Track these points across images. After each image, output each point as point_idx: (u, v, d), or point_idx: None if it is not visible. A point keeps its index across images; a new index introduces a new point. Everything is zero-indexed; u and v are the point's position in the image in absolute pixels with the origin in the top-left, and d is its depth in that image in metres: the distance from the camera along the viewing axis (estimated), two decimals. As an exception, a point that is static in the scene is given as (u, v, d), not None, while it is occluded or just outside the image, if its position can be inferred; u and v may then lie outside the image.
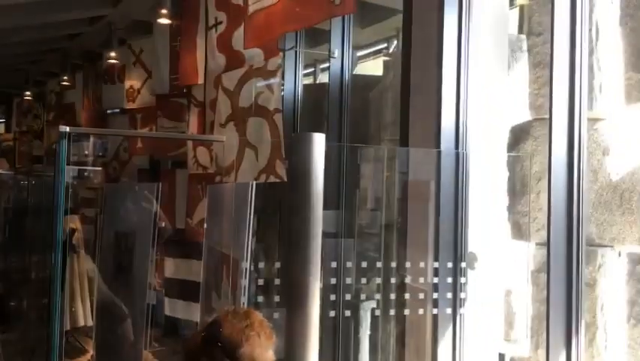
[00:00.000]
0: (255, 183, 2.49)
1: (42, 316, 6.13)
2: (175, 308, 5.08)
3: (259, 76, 3.75)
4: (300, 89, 4.27)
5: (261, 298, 1.97)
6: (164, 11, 4.46)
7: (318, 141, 1.73)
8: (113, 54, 5.72)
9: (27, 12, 5.01)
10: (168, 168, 5.99)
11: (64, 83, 7.27)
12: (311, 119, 4.72)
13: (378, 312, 3.39)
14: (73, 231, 5.84)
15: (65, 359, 5.54)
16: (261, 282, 2.00)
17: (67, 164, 2.65)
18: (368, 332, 4.08)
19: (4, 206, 8.39)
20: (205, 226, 3.36)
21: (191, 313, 5.16)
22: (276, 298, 1.85)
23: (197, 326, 5.10)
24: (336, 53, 3.95)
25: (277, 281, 1.81)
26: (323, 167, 1.74)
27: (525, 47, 3.02)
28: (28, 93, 8.42)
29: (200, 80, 4.45)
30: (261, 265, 2.20)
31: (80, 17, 5.47)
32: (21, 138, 9.49)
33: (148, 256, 3.46)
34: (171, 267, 5.06)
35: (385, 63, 4.42)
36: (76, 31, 6.07)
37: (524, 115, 2.81)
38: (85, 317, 5.80)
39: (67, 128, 2.37)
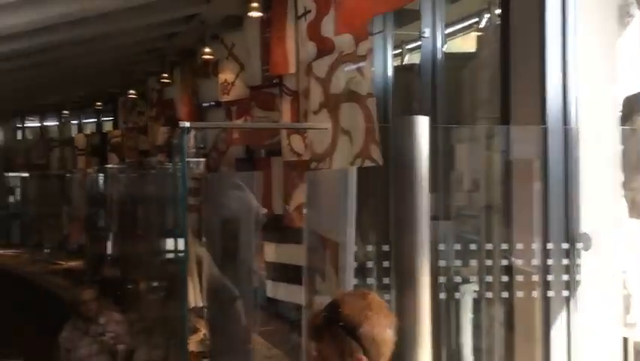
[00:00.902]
0: (356, 168, 2.53)
1: (157, 298, 6.66)
2: (276, 291, 5.30)
3: (349, 61, 3.77)
4: (390, 71, 4.24)
5: (370, 281, 2.02)
6: (254, 4, 4.59)
7: (422, 124, 1.72)
8: (207, 50, 5.98)
9: (129, 16, 5.37)
10: (263, 156, 6.22)
11: (164, 80, 7.74)
12: (400, 102, 4.67)
13: (480, 295, 3.31)
14: (180, 219, 6.26)
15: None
16: (369, 265, 2.05)
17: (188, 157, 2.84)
18: (470, 315, 4.03)
19: (117, 197, 9.15)
20: (304, 211, 3.47)
21: (292, 295, 5.38)
22: (385, 281, 1.89)
23: (300, 307, 5.31)
24: (427, 32, 3.86)
25: (386, 264, 1.84)
26: (427, 150, 1.73)
27: (634, 12, 2.79)
28: (132, 92, 9.06)
29: (291, 70, 4.55)
30: (369, 248, 2.24)
31: (176, 17, 5.78)
32: (127, 133, 10.23)
33: (252, 241, 3.65)
34: (271, 251, 5.26)
35: (478, 38, 4.27)
36: (173, 31, 6.42)
37: (638, 85, 2.61)
38: (195, 298, 6.21)
39: (187, 124, 2.53)
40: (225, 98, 6.11)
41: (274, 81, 5.06)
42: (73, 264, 11.14)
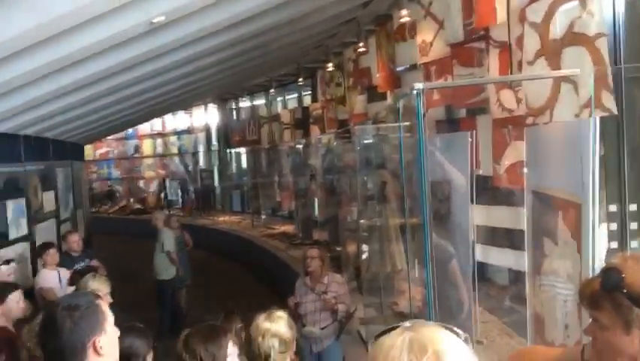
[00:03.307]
0: (597, 118, 2.24)
1: (365, 260, 6.97)
2: (487, 254, 5.10)
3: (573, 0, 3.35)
4: (621, 6, 3.64)
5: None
6: (456, -45, 4.34)
7: None
8: (403, 12, 5.89)
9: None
10: (465, 116, 5.96)
11: (360, 49, 7.88)
12: (633, 41, 4.01)
13: None
14: (384, 184, 6.41)
15: (388, 297, 6.21)
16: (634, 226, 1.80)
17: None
18: None
19: (324, 166, 9.74)
20: (525, 170, 3.21)
21: (504, 259, 5.13)
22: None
23: (515, 273, 5.06)
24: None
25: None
26: None
27: None
28: (329, 65, 9.44)
29: (500, 19, 4.22)
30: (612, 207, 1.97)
31: (373, -18, 5.80)
32: (327, 105, 10.75)
33: (468, 203, 3.53)
34: (480, 214, 5.06)
35: None
36: (369, -2, 6.48)
37: None
38: (400, 261, 6.35)
39: (421, 85, 2.49)
40: (424, 60, 5.97)
41: (478, 35, 4.76)
42: (286, 228, 12.33)
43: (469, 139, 3.51)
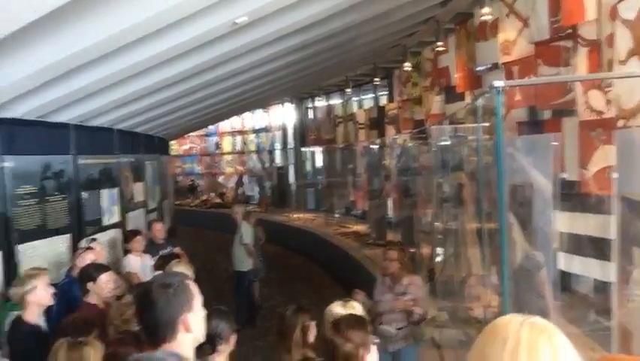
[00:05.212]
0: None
1: (439, 263, 6.86)
2: (570, 264, 4.86)
3: (673, -6, 3.13)
4: None
5: None
6: (544, -49, 4.17)
7: None
8: (485, 10, 5.73)
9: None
10: (550, 118, 5.71)
11: (439, 48, 7.73)
12: None
13: None
14: (460, 186, 6.27)
15: (463, 301, 6.07)
16: None
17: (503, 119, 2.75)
18: None
19: (399, 167, 9.68)
20: (615, 175, 3.04)
21: (588, 269, 4.86)
22: None
23: (601, 283, 4.78)
24: None
25: None
26: None
27: None
28: (406, 64, 9.33)
29: (590, 16, 4.02)
30: None
31: (454, -19, 5.69)
32: (403, 105, 10.65)
33: (550, 209, 3.39)
34: (564, 221, 4.83)
35: None
36: (449, -4, 6.36)
37: None
38: (476, 266, 6.17)
39: (502, 83, 2.42)
40: (506, 59, 5.78)
41: (566, 33, 4.55)
42: (359, 227, 12.35)
43: (554, 142, 3.37)
